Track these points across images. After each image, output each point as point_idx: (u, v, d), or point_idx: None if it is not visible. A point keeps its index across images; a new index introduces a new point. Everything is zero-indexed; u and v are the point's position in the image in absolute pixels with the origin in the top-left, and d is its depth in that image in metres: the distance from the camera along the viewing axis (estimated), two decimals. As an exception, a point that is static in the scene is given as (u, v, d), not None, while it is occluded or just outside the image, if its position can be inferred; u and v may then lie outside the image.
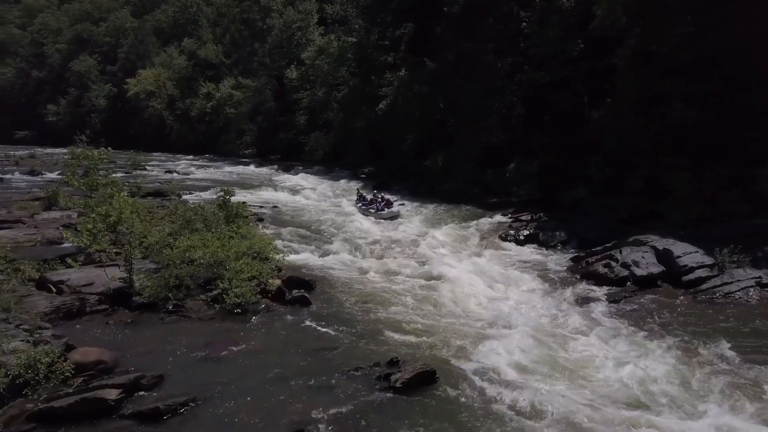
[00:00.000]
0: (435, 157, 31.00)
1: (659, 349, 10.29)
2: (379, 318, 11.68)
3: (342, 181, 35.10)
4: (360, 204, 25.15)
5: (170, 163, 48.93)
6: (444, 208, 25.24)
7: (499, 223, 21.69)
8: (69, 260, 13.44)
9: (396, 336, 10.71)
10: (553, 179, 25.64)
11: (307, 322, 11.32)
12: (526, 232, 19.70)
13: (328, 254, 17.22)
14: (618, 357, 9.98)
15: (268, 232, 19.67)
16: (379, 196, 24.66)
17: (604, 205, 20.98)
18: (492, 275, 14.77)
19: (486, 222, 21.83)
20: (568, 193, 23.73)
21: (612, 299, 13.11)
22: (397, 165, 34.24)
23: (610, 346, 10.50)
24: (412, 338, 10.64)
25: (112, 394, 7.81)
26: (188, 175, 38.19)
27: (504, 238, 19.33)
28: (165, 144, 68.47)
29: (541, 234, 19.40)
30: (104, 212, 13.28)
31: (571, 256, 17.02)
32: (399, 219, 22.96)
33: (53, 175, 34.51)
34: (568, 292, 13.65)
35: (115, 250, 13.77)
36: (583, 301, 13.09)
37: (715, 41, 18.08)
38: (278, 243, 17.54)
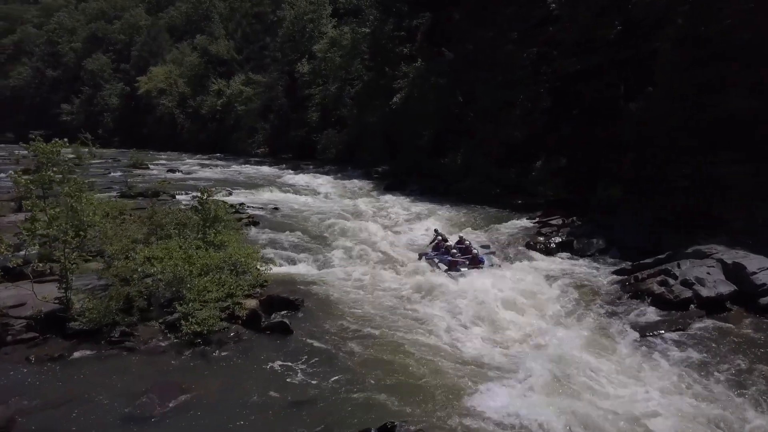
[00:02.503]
0: (453, 154, 28.63)
1: (752, 408, 7.61)
2: (375, 356, 9.14)
3: (353, 181, 32.56)
4: (431, 252, 15.75)
5: (178, 161, 46.95)
6: (462, 210, 22.62)
7: (525, 228, 18.98)
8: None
9: (395, 384, 8.20)
10: (583, 178, 23.01)
11: (284, 360, 8.83)
12: (557, 239, 16.99)
13: (325, 265, 14.74)
14: (696, 416, 7.33)
15: (262, 237, 17.37)
16: (467, 242, 15.55)
17: (645, 207, 18.26)
18: (519, 294, 12.09)
19: (510, 227, 19.16)
20: (602, 192, 21.02)
21: (674, 327, 10.40)
22: (412, 163, 31.80)
23: (681, 402, 7.84)
24: (415, 388, 8.11)
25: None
26: (191, 174, 36.02)
27: (532, 246, 16.63)
28: (177, 143, 66.72)
29: (575, 241, 16.70)
30: (55, 214, 11.05)
31: (613, 268, 14.30)
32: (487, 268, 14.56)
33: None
34: (616, 319, 10.97)
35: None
36: (636, 330, 10.39)
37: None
38: (269, 251, 15.20)
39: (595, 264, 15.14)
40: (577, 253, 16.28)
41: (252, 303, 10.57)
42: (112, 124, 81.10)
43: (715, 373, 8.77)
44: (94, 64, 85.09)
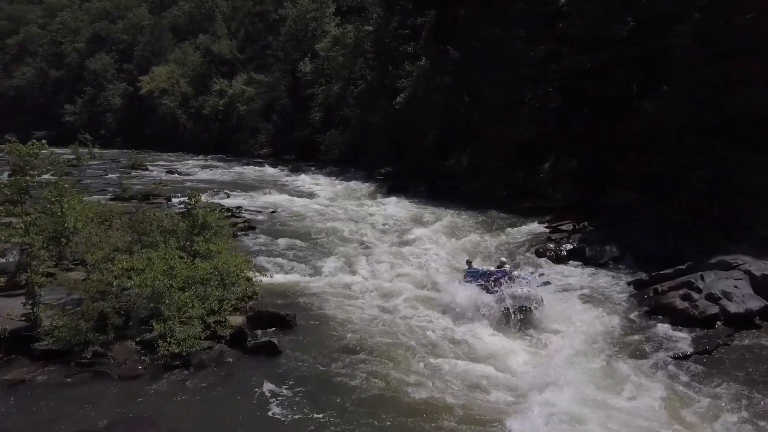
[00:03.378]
0: (458, 155, 27.71)
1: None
2: (372, 385, 8.22)
3: (356, 183, 31.67)
4: (469, 279, 12.56)
5: (178, 163, 46.19)
6: (469, 213, 21.69)
7: (534, 233, 18.09)
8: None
9: (392, 417, 7.30)
10: (594, 180, 22.11)
11: (270, 387, 7.97)
12: (568, 246, 16.08)
13: (322, 275, 13.87)
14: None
15: (257, 242, 16.55)
16: (508, 269, 12.59)
17: (660, 211, 17.33)
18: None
19: (519, 232, 18.26)
20: (614, 195, 20.09)
21: (699, 348, 9.48)
22: (417, 164, 30.87)
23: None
24: (414, 422, 7.21)
25: None
26: (189, 176, 35.21)
27: (542, 254, 15.71)
28: (179, 143, 65.82)
29: (587, 248, 15.78)
30: (32, 221, 10.32)
31: (629, 278, 13.38)
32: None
33: (46, 176, 31.80)
34: (634, 339, 10.04)
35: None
36: (657, 351, 9.46)
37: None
38: (263, 259, 14.37)
39: (608, 273, 14.23)
40: (590, 261, 15.37)
41: (238, 320, 9.71)
42: (115, 124, 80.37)
43: (749, 401, 7.86)
44: (96, 64, 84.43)
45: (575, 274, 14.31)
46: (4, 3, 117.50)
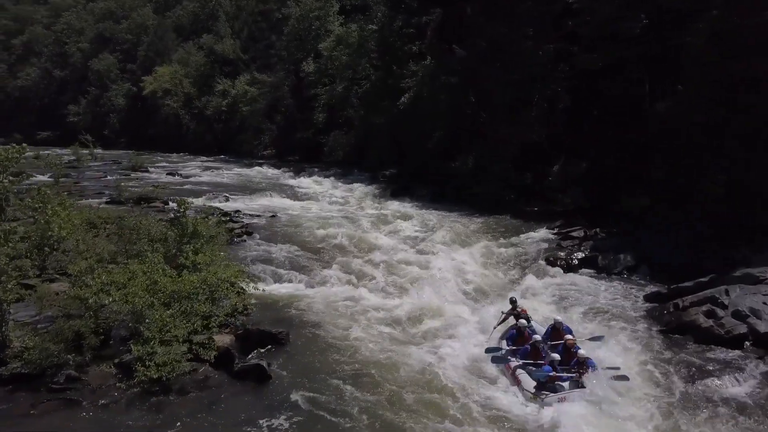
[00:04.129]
0: (464, 157, 26.94)
1: None
2: (365, 421, 7.44)
3: (358, 186, 30.94)
4: (506, 345, 9.98)
5: (180, 164, 45.58)
6: (475, 218, 20.93)
7: (543, 239, 17.29)
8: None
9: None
10: (605, 183, 21.31)
11: (255, 417, 7.23)
12: (580, 255, 15.31)
13: (320, 285, 13.15)
14: None
15: (254, 250, 15.83)
16: (564, 329, 9.82)
17: (676, 217, 16.51)
18: (542, 323, 10.39)
19: (528, 238, 17.47)
20: (626, 200, 19.28)
21: (727, 371, 8.69)
22: (421, 166, 30.13)
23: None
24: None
25: None
26: (190, 178, 34.55)
27: (552, 262, 14.91)
28: (183, 144, 65.26)
29: (600, 257, 15.01)
30: (11, 229, 9.70)
31: (645, 290, 12.61)
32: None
33: (44, 177, 31.28)
34: (653, 360, 9.24)
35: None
36: (679, 375, 8.67)
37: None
38: (258, 268, 13.68)
39: (623, 284, 13.44)
40: (603, 270, 14.61)
41: (226, 339, 9.00)
42: (119, 125, 79.83)
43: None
44: (100, 64, 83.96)
45: (588, 284, 13.51)
46: (9, 3, 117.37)
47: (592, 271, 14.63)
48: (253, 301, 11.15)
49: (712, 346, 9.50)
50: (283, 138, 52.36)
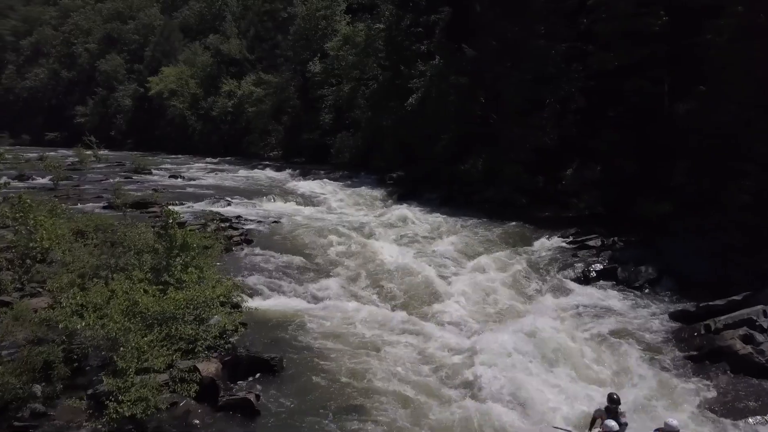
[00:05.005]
0: (474, 160, 26.01)
1: None
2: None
3: (365, 189, 30.04)
4: None
5: (185, 166, 44.90)
6: (485, 224, 20.01)
7: (558, 248, 16.38)
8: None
9: None
10: (622, 188, 20.30)
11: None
12: (598, 266, 14.39)
13: (321, 300, 12.31)
14: None
15: (253, 259, 14.99)
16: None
17: (701, 226, 15.50)
18: (558, 349, 9.47)
19: (542, 246, 16.57)
20: (646, 207, 18.27)
21: (771, 408, 7.73)
22: (430, 169, 29.25)
23: None
24: None
25: None
26: (193, 180, 33.80)
27: (568, 275, 14.00)
28: (189, 145, 64.72)
29: (619, 268, 14.09)
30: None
31: (670, 306, 11.68)
32: None
33: (44, 180, 30.77)
34: (683, 392, 8.28)
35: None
36: (714, 412, 7.73)
37: None
38: (256, 280, 12.89)
39: (645, 300, 12.52)
40: (623, 283, 13.69)
41: (211, 367, 8.15)
42: (125, 126, 79.51)
43: None
44: (107, 64, 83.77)
45: (608, 299, 12.60)
46: (19, 4, 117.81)
47: (611, 283, 13.72)
48: (246, 319, 10.31)
49: (752, 378, 8.52)
50: (290, 139, 51.65)
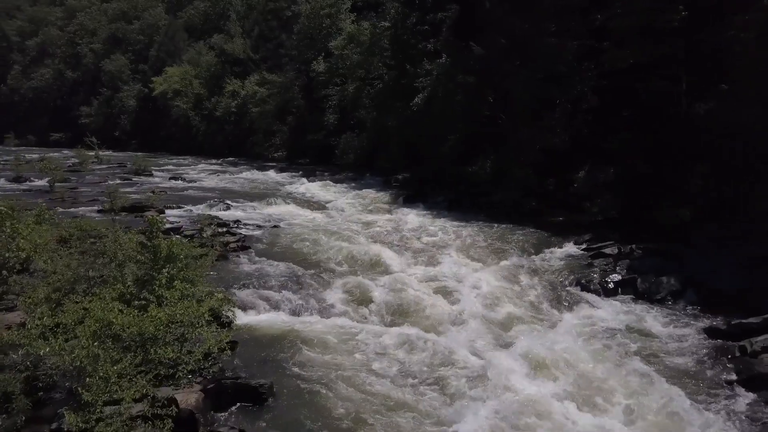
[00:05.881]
0: (482, 161, 25.13)
1: None
2: None
3: (369, 191, 29.17)
4: None
5: (187, 167, 44.23)
6: (494, 230, 19.10)
7: (572, 256, 15.47)
8: None
9: None
10: (638, 192, 19.37)
11: None
12: (616, 276, 13.46)
13: (321, 315, 11.47)
14: None
15: (249, 268, 14.18)
16: None
17: (726, 235, 14.60)
18: (579, 374, 8.58)
19: (554, 255, 15.66)
20: (664, 213, 17.33)
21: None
22: (436, 170, 28.48)
23: None
24: None
25: None
26: (195, 182, 33.00)
27: (585, 286, 13.09)
28: (193, 146, 64.16)
29: (639, 279, 13.16)
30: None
31: (697, 322, 10.76)
32: None
33: (41, 183, 30.11)
34: (719, 424, 7.35)
35: None
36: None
37: None
38: (251, 292, 12.06)
39: (670, 315, 11.57)
40: (643, 295, 12.76)
41: (191, 398, 7.27)
42: (130, 126, 79.11)
43: None
44: (112, 65, 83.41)
45: (630, 314, 11.64)
46: (26, 4, 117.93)
47: (630, 296, 12.80)
48: (236, 336, 9.49)
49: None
50: (294, 140, 51.00)
